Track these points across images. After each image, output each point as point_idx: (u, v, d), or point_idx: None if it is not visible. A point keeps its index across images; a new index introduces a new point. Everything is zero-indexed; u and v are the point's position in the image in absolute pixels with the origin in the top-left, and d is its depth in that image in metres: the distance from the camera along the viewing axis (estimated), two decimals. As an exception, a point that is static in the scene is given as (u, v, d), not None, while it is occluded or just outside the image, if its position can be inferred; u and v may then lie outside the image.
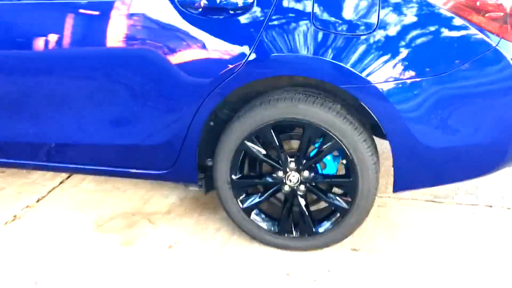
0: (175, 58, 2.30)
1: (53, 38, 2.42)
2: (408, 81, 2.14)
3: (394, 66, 2.15)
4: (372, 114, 2.25)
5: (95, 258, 2.53)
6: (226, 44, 2.24)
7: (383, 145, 2.66)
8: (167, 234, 2.70)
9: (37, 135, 2.60)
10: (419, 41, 2.14)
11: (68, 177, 3.29)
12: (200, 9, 2.23)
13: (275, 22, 2.20)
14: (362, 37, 2.15)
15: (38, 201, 3.03)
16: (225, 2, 2.20)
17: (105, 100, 2.46)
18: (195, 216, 2.86)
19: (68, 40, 2.42)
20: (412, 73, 2.14)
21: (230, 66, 2.25)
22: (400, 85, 2.15)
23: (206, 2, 2.21)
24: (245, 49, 2.23)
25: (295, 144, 2.50)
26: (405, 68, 2.14)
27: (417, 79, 2.14)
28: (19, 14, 2.46)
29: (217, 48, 2.25)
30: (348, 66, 2.16)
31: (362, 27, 2.15)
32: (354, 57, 2.16)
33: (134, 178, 2.74)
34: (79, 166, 2.70)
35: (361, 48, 2.15)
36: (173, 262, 2.50)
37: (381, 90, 2.17)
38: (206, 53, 2.28)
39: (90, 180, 3.23)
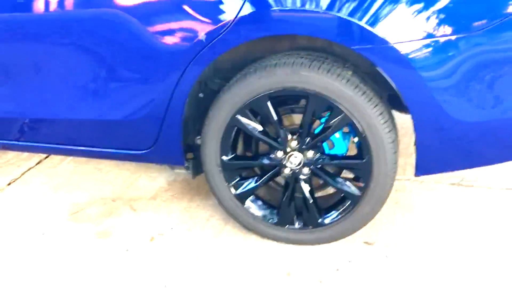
0: (146, 17, 1.92)
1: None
2: (440, 39, 1.72)
3: (420, 20, 1.73)
4: (391, 82, 1.84)
5: (64, 252, 2.18)
6: (208, 2, 1.86)
7: (400, 120, 2.24)
8: (150, 224, 2.34)
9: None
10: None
11: (47, 157, 2.94)
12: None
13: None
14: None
15: (9, 184, 2.69)
16: None
17: (70, 70, 2.09)
18: (184, 202, 2.49)
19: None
20: (444, 29, 1.72)
21: (216, 26, 1.86)
22: (427, 45, 1.74)
23: None
24: (235, 2, 1.82)
25: (297, 119, 2.10)
26: (434, 23, 1.72)
27: (451, 37, 1.72)
28: None
29: (199, 3, 1.85)
30: (362, 22, 1.75)
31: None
32: (368, 11, 1.75)
33: (112, 159, 2.38)
34: (50, 146, 2.34)
35: (379, 1, 1.74)
36: (154, 258, 2.14)
37: (402, 52, 1.75)
38: (184, 9, 1.88)
39: (71, 161, 2.88)
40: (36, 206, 2.49)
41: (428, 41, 1.73)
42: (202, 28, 1.88)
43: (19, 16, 2.11)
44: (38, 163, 2.88)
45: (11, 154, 2.95)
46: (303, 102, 2.11)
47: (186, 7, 1.89)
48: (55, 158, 2.92)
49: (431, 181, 2.57)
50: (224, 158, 2.09)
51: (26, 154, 2.95)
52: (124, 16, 1.94)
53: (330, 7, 1.77)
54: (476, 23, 1.71)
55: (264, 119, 2.04)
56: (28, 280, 2.04)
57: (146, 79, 2.01)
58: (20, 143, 2.35)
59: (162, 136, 2.11)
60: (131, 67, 2.02)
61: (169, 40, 1.94)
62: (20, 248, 2.21)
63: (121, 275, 2.05)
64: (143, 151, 2.17)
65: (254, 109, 2.01)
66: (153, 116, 2.07)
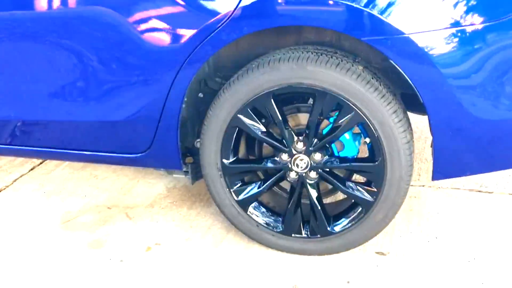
0: (134, 12, 1.79)
1: None
2: (467, 29, 1.57)
3: (440, 7, 1.58)
4: (406, 78, 1.69)
5: (55, 263, 2.03)
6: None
7: (412, 122, 2.08)
8: (146, 233, 2.19)
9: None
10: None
11: (41, 163, 2.80)
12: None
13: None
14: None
15: (0, 190, 2.55)
16: None
17: (62, 71, 1.96)
18: (184, 210, 2.34)
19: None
20: (468, 18, 1.57)
21: (213, 19, 1.73)
22: (449, 36, 1.58)
23: None
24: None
25: (303, 118, 1.94)
26: (457, 10, 1.57)
27: (477, 26, 1.56)
28: None
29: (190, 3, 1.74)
30: (373, 10, 1.60)
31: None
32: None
33: (107, 163, 2.23)
34: (42, 149, 2.19)
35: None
36: (150, 269, 1.98)
37: (419, 44, 1.60)
38: (175, 1, 1.75)
39: (66, 167, 2.74)
40: (27, 214, 2.34)
41: (450, 31, 1.58)
42: (197, 22, 1.74)
43: (10, 14, 1.99)
44: (31, 169, 2.74)
45: (3, 160, 2.81)
46: (310, 100, 1.96)
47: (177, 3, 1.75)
48: (49, 164, 2.78)
49: (448, 187, 2.40)
50: (225, 161, 1.94)
51: (19, 160, 2.81)
52: (110, 13, 1.81)
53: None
54: (502, 11, 1.56)
55: (267, 119, 1.90)
56: (13, 293, 1.89)
57: (139, 78, 1.87)
58: (11, 147, 2.21)
59: (158, 138, 1.96)
60: (123, 67, 1.88)
61: (160, 36, 1.80)
62: (8, 258, 2.06)
63: (116, 286, 1.89)
64: (139, 155, 2.02)
65: (257, 108, 1.86)
66: (148, 117, 1.93)
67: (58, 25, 1.92)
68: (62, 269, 2.00)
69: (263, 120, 1.90)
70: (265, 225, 1.99)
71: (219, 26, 1.72)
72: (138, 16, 1.82)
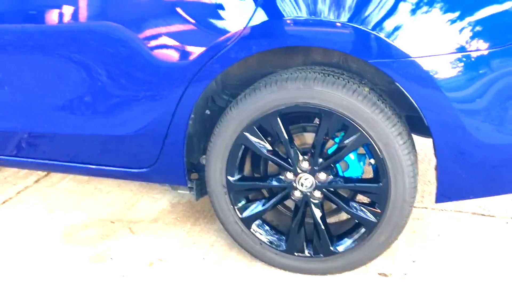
0: (143, 29, 1.82)
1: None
2: (471, 54, 1.60)
3: (446, 32, 1.61)
4: (411, 100, 1.71)
5: (54, 277, 2.02)
6: (213, 14, 1.75)
7: (416, 142, 2.09)
8: (149, 248, 2.19)
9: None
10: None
11: (46, 175, 2.81)
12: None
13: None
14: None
15: (3, 203, 2.55)
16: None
17: (70, 84, 1.98)
18: (187, 226, 2.34)
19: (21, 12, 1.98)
20: (473, 43, 1.59)
21: (222, 37, 1.75)
22: (455, 61, 1.60)
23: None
24: (245, 12, 1.71)
25: (309, 138, 1.96)
26: (463, 35, 1.60)
27: (483, 52, 1.59)
28: None
29: (204, 12, 1.75)
30: (380, 33, 1.63)
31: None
32: (386, 21, 1.63)
33: (112, 177, 2.25)
34: (48, 162, 2.20)
35: (400, 10, 1.63)
36: (151, 285, 1.98)
37: (425, 68, 1.62)
38: (185, 19, 1.78)
39: (70, 180, 2.75)
40: (29, 227, 2.35)
41: (455, 56, 1.60)
42: (206, 40, 1.76)
43: (21, 27, 2.02)
44: (36, 181, 2.76)
45: (8, 172, 2.83)
46: (316, 120, 1.98)
47: (187, 17, 1.78)
48: (54, 177, 2.79)
49: (451, 209, 2.41)
50: (230, 178, 1.95)
51: (24, 171, 2.82)
52: (121, 29, 1.84)
53: (347, 17, 1.65)
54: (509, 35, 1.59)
55: (273, 137, 1.91)
56: (15, 305, 1.89)
57: (147, 94, 1.89)
58: (17, 158, 2.22)
59: (164, 154, 1.98)
60: (131, 82, 1.90)
61: (169, 53, 1.82)
62: (9, 270, 2.07)
63: (116, 303, 1.90)
64: (144, 170, 2.03)
65: (263, 126, 1.87)
66: (155, 132, 1.94)
67: (67, 38, 1.94)
68: (62, 283, 2.00)
69: (269, 138, 1.92)
70: (268, 243, 2.00)
71: (228, 45, 1.74)
72: (148, 32, 1.84)
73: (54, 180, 2.76)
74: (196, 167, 2.14)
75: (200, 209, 2.47)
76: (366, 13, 1.63)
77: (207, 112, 2.07)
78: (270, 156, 1.91)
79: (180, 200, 2.56)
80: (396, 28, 1.63)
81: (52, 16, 1.95)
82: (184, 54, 1.81)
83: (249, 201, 2.02)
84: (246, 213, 1.99)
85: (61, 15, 1.93)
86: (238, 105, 1.87)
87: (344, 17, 1.65)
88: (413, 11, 1.63)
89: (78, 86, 1.96)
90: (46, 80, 2.00)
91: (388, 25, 1.63)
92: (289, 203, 2.07)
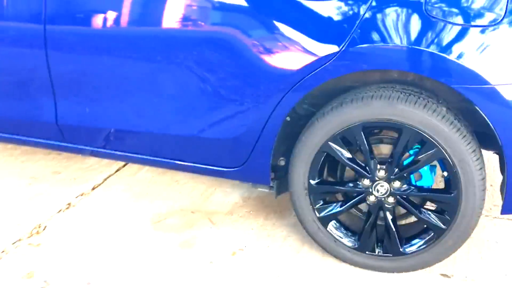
0: (257, 45, 2.03)
1: (115, 15, 2.22)
2: None
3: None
4: (486, 120, 1.90)
5: (152, 258, 2.28)
6: (317, 32, 1.95)
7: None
8: (229, 238, 2.43)
9: (96, 118, 2.37)
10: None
11: (125, 164, 3.07)
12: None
13: (378, 7, 1.89)
14: (485, 29, 1.80)
15: (93, 189, 2.82)
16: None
17: (173, 87, 2.21)
18: (260, 220, 2.57)
19: (133, 18, 2.21)
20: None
21: (322, 55, 1.95)
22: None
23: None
24: (340, 38, 1.92)
25: (384, 149, 2.16)
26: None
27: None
28: None
29: (306, 36, 1.97)
30: (465, 63, 1.82)
31: (485, 17, 1.81)
32: (474, 53, 1.82)
33: (198, 173, 2.46)
34: (139, 156, 2.45)
35: (483, 42, 1.81)
36: (237, 271, 2.22)
37: (505, 94, 1.82)
38: (292, 41, 1.99)
39: (148, 170, 3.00)
40: (121, 212, 2.61)
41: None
42: (308, 57, 1.97)
43: (133, 31, 2.23)
44: (117, 170, 3.01)
45: (92, 160, 3.09)
46: (392, 132, 2.17)
47: (296, 38, 1.98)
48: (133, 167, 3.04)
49: (504, 217, 2.59)
50: (312, 181, 2.16)
51: (105, 161, 3.08)
52: (236, 38, 2.04)
53: (438, 48, 1.84)
54: None
55: (353, 147, 2.12)
56: (120, 282, 2.14)
57: (246, 100, 2.11)
58: (112, 152, 2.47)
59: (254, 156, 2.20)
60: (232, 89, 2.12)
61: (273, 65, 2.03)
62: (110, 251, 2.33)
63: (209, 284, 2.14)
64: (234, 169, 2.26)
65: (345, 137, 2.08)
66: (248, 136, 2.16)
67: (181, 44, 2.14)
68: (159, 264, 2.25)
69: (349, 147, 2.13)
70: (342, 241, 2.21)
71: (326, 63, 1.95)
72: (257, 42, 2.03)
73: (133, 170, 3.01)
74: (274, 168, 2.35)
75: (269, 204, 2.70)
76: (455, 44, 1.82)
77: (288, 118, 2.28)
78: (351, 163, 2.12)
79: (250, 195, 2.79)
80: (478, 55, 1.81)
81: (172, 24, 2.16)
82: (289, 66, 2.01)
83: (326, 203, 2.23)
84: (323, 213, 2.21)
85: (180, 23, 2.14)
86: (325, 117, 2.08)
87: (437, 48, 1.84)
88: (496, 46, 1.81)
89: (182, 91, 2.18)
90: (157, 83, 2.22)
91: (469, 51, 1.81)
92: (362, 205, 2.27)
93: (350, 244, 2.21)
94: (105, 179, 2.91)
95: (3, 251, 2.30)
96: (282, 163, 2.31)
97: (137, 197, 2.75)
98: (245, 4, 2.05)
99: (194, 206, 2.68)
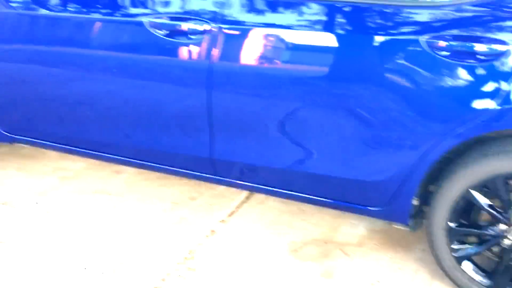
0: (419, 95, 2.23)
1: (283, 60, 2.44)
2: None
3: None
4: None
5: (295, 285, 2.54)
6: (477, 90, 2.16)
7: None
8: (364, 269, 2.66)
9: (257, 157, 2.63)
10: None
11: (252, 193, 3.34)
12: (449, 52, 2.15)
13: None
14: None
15: (230, 215, 3.11)
16: (477, 47, 2.10)
17: (333, 132, 2.42)
18: (390, 253, 2.79)
19: (301, 67, 2.43)
20: None
21: (475, 112, 2.16)
22: None
23: (457, 46, 2.13)
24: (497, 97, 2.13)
25: (521, 196, 2.34)
26: None
27: None
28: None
29: (465, 93, 2.17)
30: None
31: None
32: None
33: (337, 209, 2.72)
34: (285, 191, 2.70)
35: None
36: (379, 303, 2.45)
37: None
38: (451, 95, 2.20)
39: (275, 199, 3.26)
40: (258, 240, 2.87)
41: None
42: (463, 112, 2.18)
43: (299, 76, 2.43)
44: (246, 197, 3.30)
45: (221, 187, 3.37)
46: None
47: (453, 93, 2.18)
48: (259, 195, 3.30)
49: None
50: (450, 224, 2.37)
51: (234, 188, 3.36)
52: (400, 86, 2.24)
53: None
54: None
55: (492, 194, 2.31)
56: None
57: (400, 144, 2.32)
58: (262, 187, 2.74)
59: (397, 197, 2.43)
60: (387, 133, 2.32)
61: (435, 114, 2.22)
62: (255, 276, 2.60)
63: (352, 314, 2.38)
64: (376, 208, 2.50)
65: (486, 186, 2.28)
66: (395, 178, 2.38)
67: (340, 90, 2.35)
68: (304, 292, 2.51)
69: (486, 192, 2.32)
70: (476, 279, 2.40)
71: (485, 117, 2.15)
72: (421, 87, 2.22)
73: (261, 198, 3.26)
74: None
75: (396, 238, 2.89)
76: None
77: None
78: (490, 210, 2.31)
79: (375, 227, 3.00)
80: None
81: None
82: (449, 119, 2.20)
83: (461, 243, 2.43)
84: (459, 253, 2.41)
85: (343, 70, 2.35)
86: (468, 166, 2.28)
87: None
88: None
89: (337, 133, 2.41)
90: (318, 128, 2.44)
91: None
92: (495, 248, 2.45)
93: (484, 282, 2.40)
94: (238, 207, 3.19)
95: (163, 279, 2.61)
96: (415, 203, 2.53)
97: (270, 224, 3.01)
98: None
99: (325, 237, 2.92)
